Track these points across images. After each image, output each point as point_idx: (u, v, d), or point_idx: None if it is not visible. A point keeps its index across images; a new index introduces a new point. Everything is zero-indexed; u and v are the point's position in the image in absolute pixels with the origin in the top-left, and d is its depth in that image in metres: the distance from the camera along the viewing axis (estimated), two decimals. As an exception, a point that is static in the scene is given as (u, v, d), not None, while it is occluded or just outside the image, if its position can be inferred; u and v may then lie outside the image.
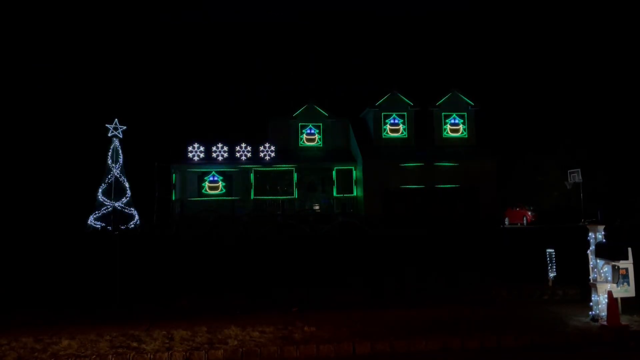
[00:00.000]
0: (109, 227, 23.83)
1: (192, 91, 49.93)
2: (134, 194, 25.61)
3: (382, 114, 32.44)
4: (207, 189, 31.32)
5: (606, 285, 12.43)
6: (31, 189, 34.26)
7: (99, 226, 23.94)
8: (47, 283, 16.46)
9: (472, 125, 32.77)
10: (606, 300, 12.30)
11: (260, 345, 10.93)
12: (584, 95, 40.99)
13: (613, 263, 12.33)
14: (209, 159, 31.03)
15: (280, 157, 31.57)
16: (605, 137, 36.74)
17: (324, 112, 33.50)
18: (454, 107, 32.72)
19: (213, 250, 17.63)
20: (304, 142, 33.23)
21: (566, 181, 28.92)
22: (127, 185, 25.07)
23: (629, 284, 12.77)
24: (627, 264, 12.80)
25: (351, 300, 15.71)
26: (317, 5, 67.75)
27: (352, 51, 59.63)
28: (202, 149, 31.01)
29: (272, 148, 31.50)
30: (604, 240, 12.68)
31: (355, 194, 32.10)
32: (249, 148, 31.35)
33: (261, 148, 31.45)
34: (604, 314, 12.32)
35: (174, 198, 30.86)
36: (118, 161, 25.25)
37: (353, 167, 32.26)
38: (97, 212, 24.51)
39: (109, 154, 25.30)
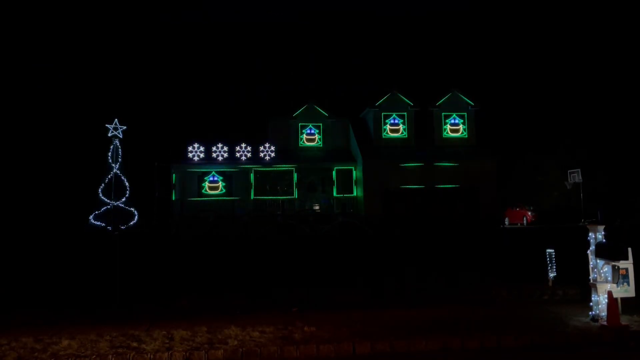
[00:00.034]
0: (109, 227, 23.83)
1: (192, 91, 49.93)
2: (134, 194, 25.56)
3: (382, 114, 32.43)
4: (207, 189, 31.31)
5: (606, 285, 12.43)
6: (32, 189, 34.27)
7: (100, 225, 23.97)
8: (47, 283, 16.48)
9: (472, 125, 32.76)
10: (606, 300, 12.30)
11: (260, 345, 10.93)
12: (584, 95, 40.99)
13: (613, 263, 12.33)
14: (209, 159, 31.02)
15: (280, 157, 31.57)
16: (605, 137, 36.72)
17: (324, 112, 33.49)
18: (454, 107, 32.71)
19: (213, 251, 17.65)
20: (304, 142, 33.22)
21: (566, 181, 28.92)
22: (126, 184, 25.12)
23: (629, 284, 12.78)
24: (627, 264, 12.81)
25: (351, 300, 15.72)
26: (317, 5, 67.78)
27: (352, 51, 59.65)
28: (202, 149, 31.01)
29: (272, 148, 31.49)
30: (604, 240, 12.68)
31: (355, 194, 32.09)
32: (249, 148, 31.34)
33: (261, 148, 31.44)
34: (604, 314, 12.32)
35: (174, 198, 30.85)
36: (118, 160, 25.28)
37: (353, 167, 32.25)
38: (97, 211, 24.55)
39: (109, 153, 25.32)
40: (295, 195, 31.74)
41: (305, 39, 58.55)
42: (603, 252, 12.53)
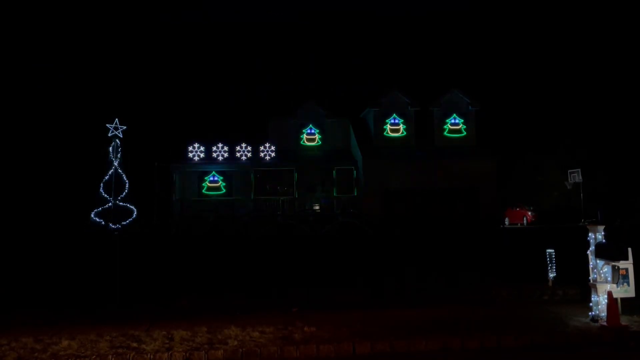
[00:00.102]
0: (110, 225, 23.91)
1: (192, 91, 49.91)
2: (135, 194, 25.64)
3: (382, 113, 32.43)
4: (207, 189, 31.32)
5: (606, 286, 12.43)
6: (32, 189, 34.27)
7: (100, 222, 24.06)
8: (47, 283, 16.47)
9: (472, 125, 32.75)
10: (606, 300, 12.30)
11: (260, 345, 10.93)
12: (584, 95, 40.98)
13: (613, 263, 12.33)
14: (209, 159, 31.03)
15: (280, 157, 31.56)
16: (605, 137, 36.71)
17: (324, 112, 33.49)
18: (454, 106, 32.70)
19: (213, 251, 17.64)
20: (304, 142, 33.22)
21: (566, 181, 28.91)
22: (126, 180, 25.20)
23: (628, 284, 12.78)
24: (627, 264, 12.81)
25: (351, 300, 15.72)
26: (317, 5, 67.79)
27: (352, 51, 59.61)
28: (202, 149, 31.01)
29: (272, 148, 31.48)
30: (603, 240, 12.68)
31: (355, 194, 32.09)
32: (249, 148, 31.34)
33: (261, 148, 31.43)
34: (603, 314, 12.32)
35: (174, 198, 30.87)
36: (118, 159, 25.33)
37: (353, 167, 32.25)
38: (97, 208, 24.63)
39: (110, 153, 25.37)
40: (295, 195, 31.73)
41: (305, 39, 58.52)
42: (603, 252, 12.53)
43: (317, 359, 10.65)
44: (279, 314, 14.03)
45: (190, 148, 30.94)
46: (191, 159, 30.87)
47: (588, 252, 13.07)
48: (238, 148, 31.26)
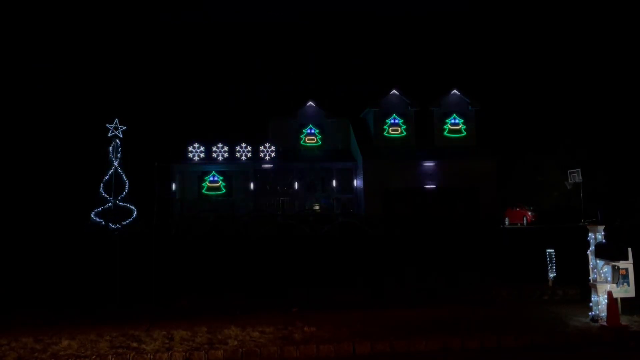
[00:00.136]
0: (110, 224, 23.94)
1: (192, 91, 49.92)
2: (135, 194, 25.66)
3: (382, 113, 32.43)
4: (207, 189, 31.33)
5: (606, 286, 12.43)
6: (33, 189, 34.27)
7: (100, 221, 24.09)
8: (47, 283, 16.47)
9: (472, 125, 32.77)
10: (606, 300, 12.29)
11: (260, 345, 10.93)
12: (584, 95, 40.97)
13: (613, 263, 12.33)
14: (209, 159, 31.03)
15: (280, 157, 31.57)
16: (605, 137, 36.71)
17: (324, 112, 33.49)
18: (454, 107, 32.72)
19: (213, 251, 17.63)
20: (304, 142, 33.22)
21: (566, 181, 28.91)
22: (125, 180, 25.23)
23: (628, 284, 12.77)
24: (627, 264, 12.80)
25: (351, 300, 15.71)
26: (317, 5, 67.80)
27: (352, 51, 59.64)
28: (202, 149, 31.01)
29: (272, 148, 31.48)
30: (603, 240, 12.67)
31: (355, 194, 32.09)
32: (249, 148, 31.34)
33: (261, 148, 31.44)
34: (603, 314, 12.32)
35: (174, 198, 30.86)
36: (118, 159, 25.35)
37: (353, 167, 32.24)
38: (97, 208, 24.67)
39: (110, 153, 25.38)
40: (295, 195, 31.73)
41: (305, 39, 58.55)
42: (603, 252, 12.53)
43: (317, 359, 10.65)
44: (279, 314, 14.03)
45: (190, 148, 30.94)
46: (191, 159, 30.87)
47: (588, 252, 13.06)
48: (238, 148, 31.27)
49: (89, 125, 34.48)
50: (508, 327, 12.06)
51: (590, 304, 12.88)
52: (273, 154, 31.39)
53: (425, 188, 30.81)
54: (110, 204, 24.73)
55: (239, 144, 31.30)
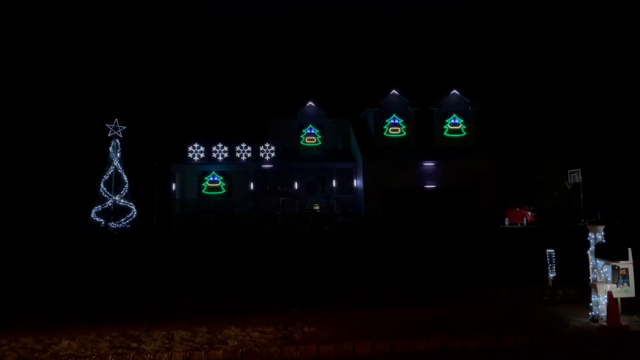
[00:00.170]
0: (110, 223, 23.97)
1: (192, 91, 49.93)
2: (134, 194, 25.71)
3: (382, 113, 32.42)
4: (207, 189, 31.32)
5: (606, 286, 12.43)
6: (33, 188, 34.28)
7: (100, 221, 24.13)
8: (47, 283, 16.47)
9: (472, 125, 32.76)
10: (606, 300, 12.29)
11: (260, 345, 10.93)
12: (584, 95, 40.97)
13: (613, 263, 12.33)
14: (209, 159, 31.02)
15: (280, 157, 31.56)
16: (605, 137, 36.71)
17: (324, 112, 33.49)
18: (454, 106, 32.71)
19: (213, 251, 17.63)
20: (304, 142, 33.22)
21: (566, 181, 28.90)
22: (125, 179, 25.26)
23: (628, 284, 12.77)
24: (627, 265, 12.80)
25: (351, 300, 15.71)
26: (317, 5, 67.79)
27: (352, 51, 59.64)
28: (202, 149, 31.00)
29: (272, 148, 31.47)
30: (603, 240, 12.67)
31: (355, 194, 32.09)
32: (249, 148, 31.33)
33: (261, 148, 31.42)
34: (603, 314, 12.32)
35: (174, 198, 30.86)
36: (118, 159, 25.39)
37: (353, 167, 32.24)
38: (98, 206, 24.71)
39: (110, 153, 25.41)
40: (295, 195, 31.73)
41: (305, 39, 58.55)
42: (603, 252, 12.53)
43: (317, 359, 10.65)
44: (279, 314, 14.03)
45: (190, 148, 30.93)
46: (191, 159, 30.87)
47: (588, 252, 13.06)
48: (238, 148, 31.26)
49: (90, 125, 34.50)
50: (508, 327, 12.06)
51: (590, 304, 12.88)
52: (273, 154, 31.38)
53: (425, 188, 30.80)
54: (110, 203, 24.75)
55: (238, 144, 31.29)
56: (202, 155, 30.96)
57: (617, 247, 12.38)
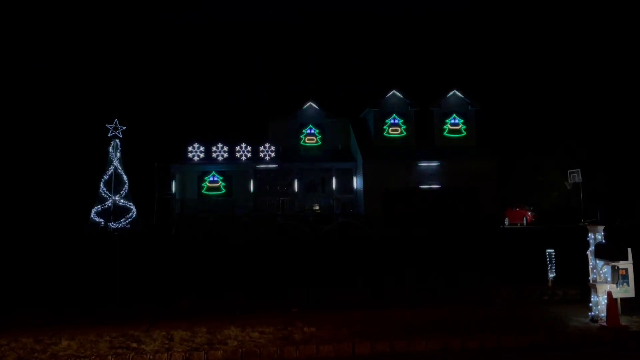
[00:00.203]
0: (110, 223, 23.97)
1: (192, 91, 49.95)
2: (134, 194, 25.71)
3: (382, 113, 32.42)
4: (207, 189, 31.32)
5: (606, 286, 12.42)
6: (33, 188, 34.29)
7: (100, 221, 24.13)
8: (47, 283, 16.47)
9: (472, 125, 32.75)
10: (606, 300, 12.29)
11: (260, 345, 10.93)
12: (584, 95, 40.99)
13: (613, 263, 12.33)
14: (209, 159, 31.02)
15: (280, 157, 31.56)
16: (605, 137, 36.73)
17: (324, 112, 33.49)
18: (454, 106, 32.71)
19: (213, 251, 17.64)
20: (304, 142, 33.22)
21: (566, 181, 28.92)
22: (126, 181, 25.27)
23: (628, 285, 12.77)
24: (627, 265, 12.80)
25: (351, 300, 15.71)
26: (317, 5, 67.81)
27: (352, 51, 59.68)
28: (202, 149, 31.00)
29: (272, 148, 31.47)
30: (603, 240, 12.67)
31: (355, 194, 32.08)
32: (249, 148, 31.33)
33: (261, 148, 31.42)
34: (603, 314, 12.32)
35: (174, 198, 30.87)
36: (117, 159, 25.40)
37: (353, 167, 32.24)
38: (98, 206, 24.71)
39: (110, 153, 25.42)
40: (295, 195, 31.72)
41: (305, 39, 58.57)
42: (603, 252, 12.53)
43: (317, 359, 10.65)
44: (279, 314, 14.02)
45: (190, 148, 30.93)
46: (191, 159, 30.87)
47: (588, 252, 13.06)
48: (238, 148, 31.26)
49: (90, 125, 34.51)
50: (508, 327, 12.06)
51: (590, 304, 12.88)
52: (273, 154, 31.38)
53: (425, 188, 30.80)
54: (110, 203, 24.75)
55: (238, 144, 31.29)
56: (202, 155, 30.96)
57: (617, 247, 12.38)
